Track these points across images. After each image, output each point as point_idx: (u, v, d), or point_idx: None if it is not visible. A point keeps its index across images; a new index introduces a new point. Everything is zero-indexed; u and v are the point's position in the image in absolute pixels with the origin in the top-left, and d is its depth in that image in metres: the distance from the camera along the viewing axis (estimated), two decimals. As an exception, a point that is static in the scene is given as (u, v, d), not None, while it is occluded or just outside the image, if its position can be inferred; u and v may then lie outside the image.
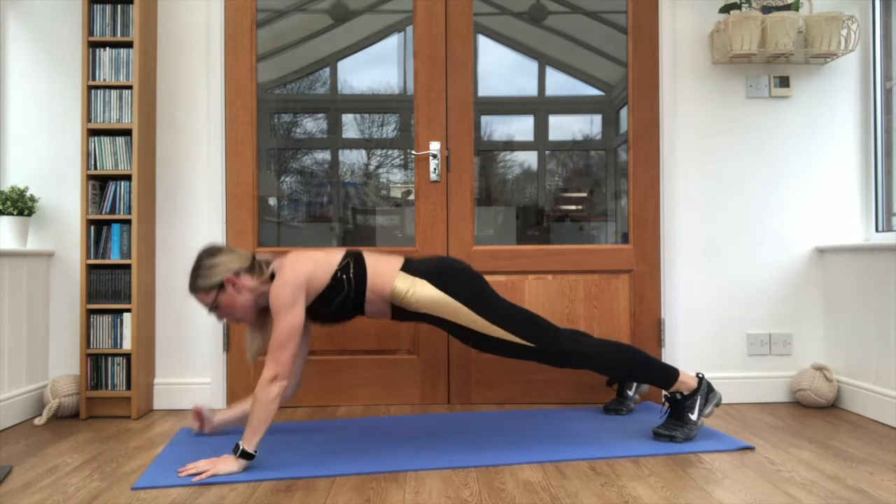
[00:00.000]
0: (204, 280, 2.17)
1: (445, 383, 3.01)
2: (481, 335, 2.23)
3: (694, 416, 2.32)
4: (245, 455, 2.03)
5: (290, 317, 2.07)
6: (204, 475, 1.98)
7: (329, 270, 2.21)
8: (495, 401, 3.00)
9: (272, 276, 2.22)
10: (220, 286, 2.17)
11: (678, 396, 2.33)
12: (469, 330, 2.24)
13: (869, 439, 2.41)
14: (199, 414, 2.43)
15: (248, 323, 2.29)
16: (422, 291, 2.23)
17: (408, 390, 3.01)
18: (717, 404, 2.35)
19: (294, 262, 2.16)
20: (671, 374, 2.33)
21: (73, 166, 2.94)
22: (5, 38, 2.95)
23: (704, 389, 2.33)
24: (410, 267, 2.28)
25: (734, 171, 3.03)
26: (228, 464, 2.02)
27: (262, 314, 2.30)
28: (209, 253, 2.21)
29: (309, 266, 2.17)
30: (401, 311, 2.29)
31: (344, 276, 2.21)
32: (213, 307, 2.19)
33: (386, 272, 2.25)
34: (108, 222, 2.81)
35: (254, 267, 2.22)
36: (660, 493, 1.87)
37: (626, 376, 2.36)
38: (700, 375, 2.35)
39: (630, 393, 2.77)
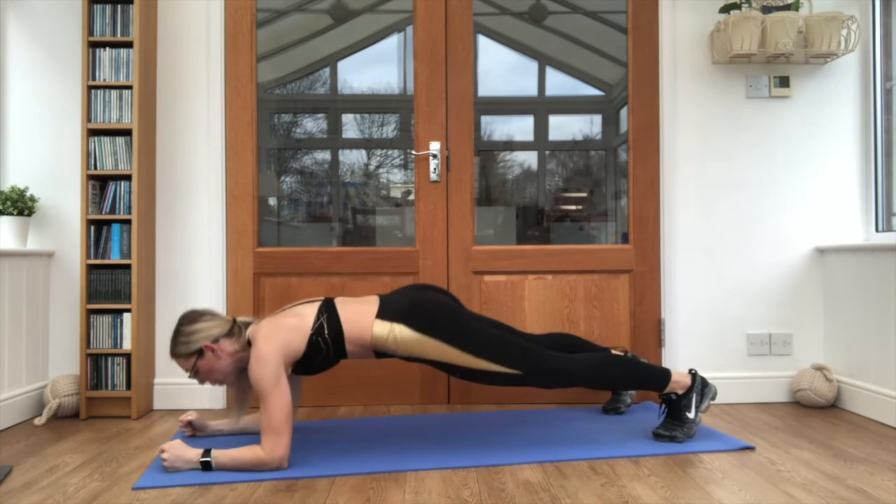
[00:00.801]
0: (183, 347, 2.17)
1: (445, 383, 3.01)
2: (468, 370, 2.20)
3: (692, 414, 2.32)
4: (206, 463, 2.04)
5: (276, 397, 2.04)
6: (167, 460, 2.03)
7: (303, 336, 2.16)
8: (495, 401, 3.00)
9: (249, 343, 2.20)
10: (200, 353, 2.18)
11: (673, 396, 2.33)
12: (455, 366, 2.21)
13: (869, 439, 2.41)
14: (189, 424, 2.43)
15: (228, 385, 2.29)
16: (401, 336, 2.17)
17: (408, 390, 3.01)
18: (713, 398, 2.35)
19: (266, 336, 2.12)
20: (663, 376, 2.32)
21: (73, 166, 2.94)
22: (5, 38, 2.95)
23: (699, 385, 2.33)
24: (386, 309, 2.21)
25: (734, 171, 3.03)
26: (190, 461, 2.06)
27: (242, 374, 2.29)
28: (189, 319, 2.21)
29: (280, 338, 2.12)
30: (384, 355, 2.26)
31: (319, 339, 2.17)
32: (194, 372, 2.20)
33: (362, 321, 2.19)
34: (108, 222, 2.81)
35: (233, 331, 2.22)
36: (660, 493, 1.87)
37: (619, 386, 2.35)
38: (693, 372, 2.35)
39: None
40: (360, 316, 2.20)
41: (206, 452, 2.05)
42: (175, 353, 2.19)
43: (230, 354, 2.20)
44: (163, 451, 2.04)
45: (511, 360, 2.19)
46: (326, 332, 2.17)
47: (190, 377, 2.23)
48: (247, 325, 2.27)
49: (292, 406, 2.14)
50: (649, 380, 2.32)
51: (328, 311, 2.20)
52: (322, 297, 2.35)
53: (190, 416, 2.43)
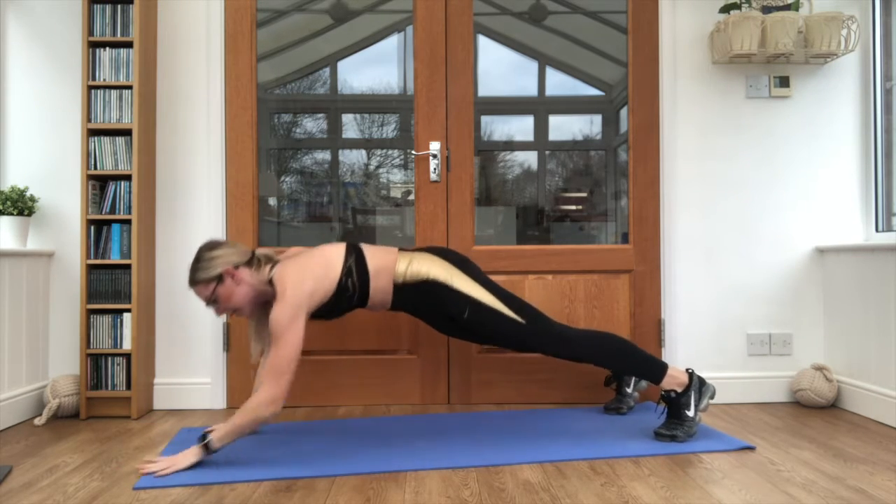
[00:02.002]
0: (203, 272, 2.20)
1: (445, 383, 3.01)
2: (477, 304, 2.28)
3: (691, 413, 2.33)
4: (208, 448, 2.04)
5: (291, 340, 2.09)
6: (166, 470, 2.00)
7: (332, 280, 2.23)
8: (495, 401, 3.00)
9: (272, 284, 2.22)
10: (219, 278, 2.20)
11: (672, 395, 2.34)
12: (466, 297, 2.28)
13: (869, 439, 2.41)
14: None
15: (246, 315, 2.33)
16: (423, 260, 2.33)
17: (408, 390, 3.01)
18: (712, 397, 2.37)
19: (296, 282, 2.15)
20: (660, 367, 2.36)
21: (73, 166, 2.94)
22: (5, 38, 2.95)
23: (696, 384, 2.34)
24: (406, 249, 2.41)
25: (734, 171, 3.03)
26: (188, 457, 2.05)
27: (261, 310, 2.34)
28: (209, 247, 2.24)
29: (309, 284, 2.17)
30: (402, 293, 2.32)
31: (349, 281, 2.26)
32: (212, 300, 2.22)
33: (386, 256, 2.33)
34: (108, 222, 2.81)
35: (252, 262, 2.26)
36: (660, 493, 1.87)
37: (613, 364, 2.39)
38: (690, 371, 2.36)
39: (629, 390, 2.78)
40: (386, 253, 2.35)
41: (202, 437, 2.05)
42: (194, 280, 2.21)
43: (249, 283, 2.23)
44: (162, 469, 2.01)
45: (517, 306, 2.33)
46: (355, 274, 2.27)
47: (207, 305, 2.25)
48: (266, 257, 2.30)
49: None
50: (646, 366, 2.37)
51: (356, 253, 2.30)
52: (346, 242, 2.41)
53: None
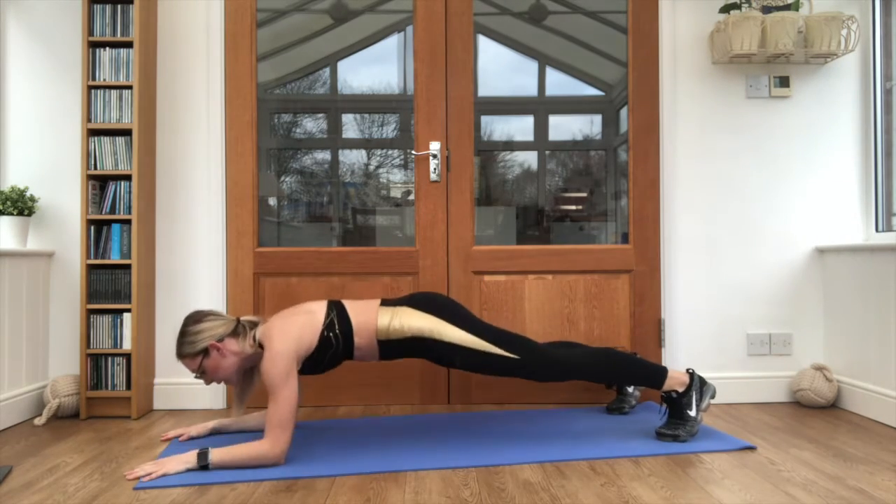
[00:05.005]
0: (188, 347, 2.20)
1: (445, 383, 3.01)
2: (467, 350, 2.25)
3: (693, 413, 2.33)
4: (204, 463, 2.04)
5: (287, 393, 2.08)
6: (153, 475, 1.99)
7: (315, 331, 2.23)
8: (495, 401, 3.00)
9: (261, 345, 2.22)
10: (205, 352, 2.20)
11: (674, 395, 2.34)
12: (454, 346, 2.25)
13: (869, 439, 2.41)
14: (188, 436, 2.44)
15: (232, 384, 2.33)
16: (404, 316, 2.28)
17: (408, 390, 3.01)
18: (713, 396, 2.37)
19: (281, 334, 2.16)
20: (659, 372, 2.36)
21: (73, 166, 2.94)
22: (5, 38, 2.95)
23: (697, 384, 2.35)
24: (388, 302, 2.35)
25: (734, 171, 3.03)
26: (181, 463, 2.04)
27: (246, 373, 2.34)
28: (194, 320, 2.23)
29: (294, 335, 2.17)
30: (388, 347, 2.31)
31: (331, 334, 2.25)
32: (200, 372, 2.23)
33: (368, 311, 2.30)
34: (108, 222, 2.81)
35: (238, 331, 2.25)
36: (660, 493, 1.88)
37: (615, 380, 2.39)
38: (690, 371, 2.37)
39: (630, 389, 2.78)
40: (366, 307, 2.32)
41: (203, 453, 2.05)
42: (181, 354, 2.22)
43: (235, 353, 2.23)
44: (149, 474, 2.00)
45: (509, 344, 2.28)
46: (337, 326, 2.25)
47: (196, 377, 2.26)
48: (251, 323, 2.31)
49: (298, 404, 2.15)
50: (645, 374, 2.37)
51: (336, 308, 2.29)
52: (326, 299, 2.40)
53: (185, 434, 2.42)
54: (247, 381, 2.35)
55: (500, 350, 2.26)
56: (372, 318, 2.28)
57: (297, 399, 2.10)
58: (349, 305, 2.32)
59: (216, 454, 2.05)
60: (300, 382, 2.48)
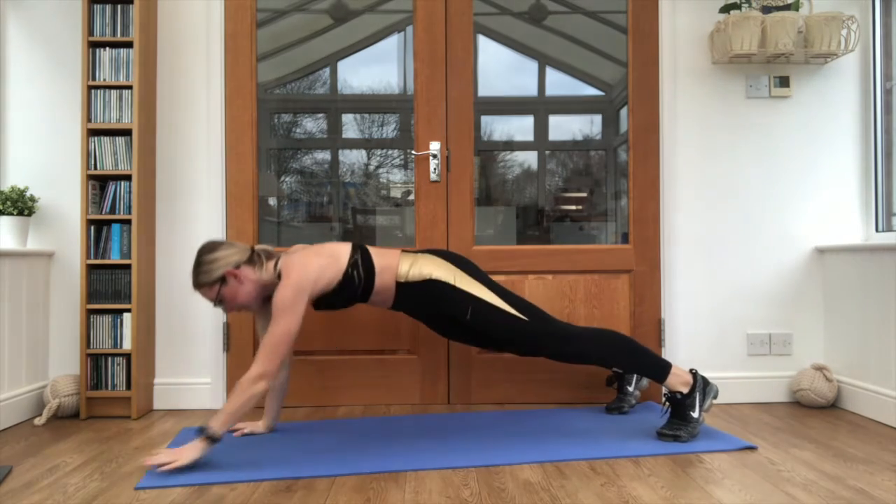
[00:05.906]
0: (205, 276, 2.22)
1: (445, 383, 3.01)
2: (480, 301, 2.31)
3: (695, 414, 2.33)
4: (211, 438, 2.04)
5: (289, 321, 2.12)
6: (171, 465, 1.99)
7: (339, 270, 2.27)
8: (495, 401, 3.00)
9: (279, 275, 2.25)
10: (222, 280, 2.22)
11: (678, 396, 2.34)
12: (469, 295, 2.31)
13: (869, 439, 2.41)
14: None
15: (253, 311, 2.38)
16: (426, 262, 2.36)
17: (408, 390, 3.01)
18: (715, 397, 2.37)
19: (302, 265, 2.20)
20: (664, 366, 2.36)
21: (73, 166, 2.94)
22: (5, 38, 2.95)
23: (700, 384, 2.35)
24: (409, 251, 2.44)
25: (734, 171, 3.03)
26: (192, 451, 2.04)
27: (266, 303, 2.38)
28: (208, 249, 2.25)
29: (315, 268, 2.21)
30: (404, 291, 2.35)
31: (355, 272, 2.29)
32: (218, 301, 2.25)
33: (390, 256, 2.38)
34: (108, 222, 2.81)
35: (253, 258, 2.28)
36: (660, 493, 1.88)
37: (619, 363, 2.40)
38: (693, 371, 2.36)
39: (630, 388, 2.78)
40: (389, 252, 2.39)
41: (202, 430, 2.05)
42: (198, 283, 2.23)
43: (253, 280, 2.26)
44: (168, 464, 2.01)
45: (521, 306, 2.36)
46: (361, 267, 2.31)
47: (215, 306, 2.29)
48: (267, 253, 2.33)
49: (294, 338, 2.16)
50: (650, 364, 2.39)
51: (361, 250, 2.35)
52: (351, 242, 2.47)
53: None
54: (267, 311, 2.38)
55: (512, 310, 2.33)
56: (394, 262, 2.35)
57: (296, 330, 2.13)
58: (372, 250, 2.37)
59: (214, 422, 2.05)
60: (285, 363, 2.48)
